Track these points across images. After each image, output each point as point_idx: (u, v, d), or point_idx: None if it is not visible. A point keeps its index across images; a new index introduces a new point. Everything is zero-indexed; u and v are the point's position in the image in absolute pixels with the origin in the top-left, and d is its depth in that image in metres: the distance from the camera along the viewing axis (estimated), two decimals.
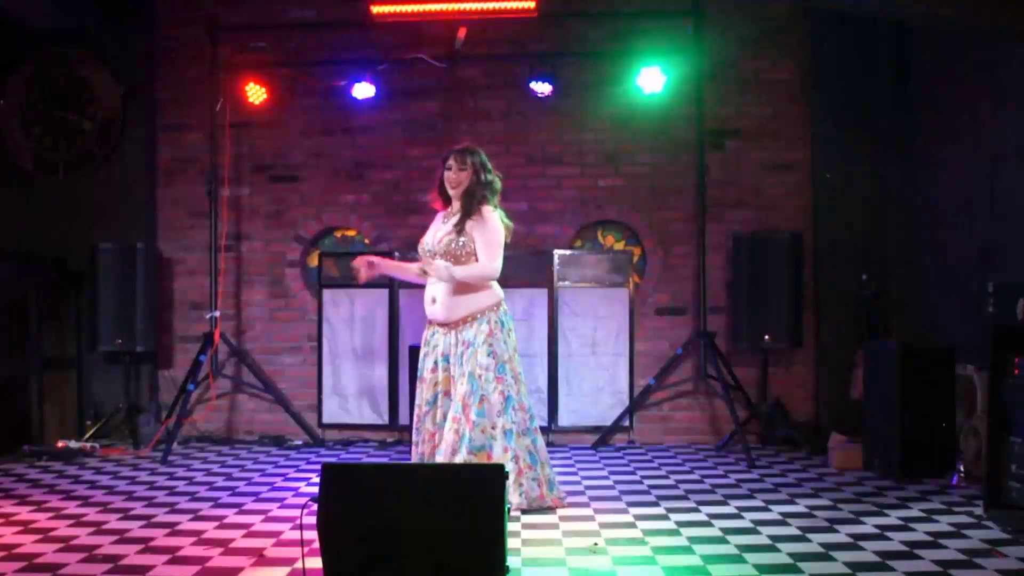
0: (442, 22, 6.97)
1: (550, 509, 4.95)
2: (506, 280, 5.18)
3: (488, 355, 4.91)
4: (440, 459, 4.86)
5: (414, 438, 5.11)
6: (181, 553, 4.13)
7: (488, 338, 4.94)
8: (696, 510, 4.93)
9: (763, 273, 6.94)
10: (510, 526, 4.04)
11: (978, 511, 4.67)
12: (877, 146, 7.20)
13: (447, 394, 5.00)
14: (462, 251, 4.93)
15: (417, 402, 5.12)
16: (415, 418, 5.12)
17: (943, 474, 5.52)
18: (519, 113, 7.45)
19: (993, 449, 4.58)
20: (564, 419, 7.21)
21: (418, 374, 5.12)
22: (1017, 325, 4.42)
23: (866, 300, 6.90)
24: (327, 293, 7.40)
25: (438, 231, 5.08)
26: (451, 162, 5.04)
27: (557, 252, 7.24)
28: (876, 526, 4.50)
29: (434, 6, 6.80)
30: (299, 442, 7.24)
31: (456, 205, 5.05)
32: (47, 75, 7.83)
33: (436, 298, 5.00)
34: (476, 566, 3.46)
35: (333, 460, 6.52)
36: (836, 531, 4.41)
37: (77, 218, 7.64)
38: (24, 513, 4.90)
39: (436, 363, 5.03)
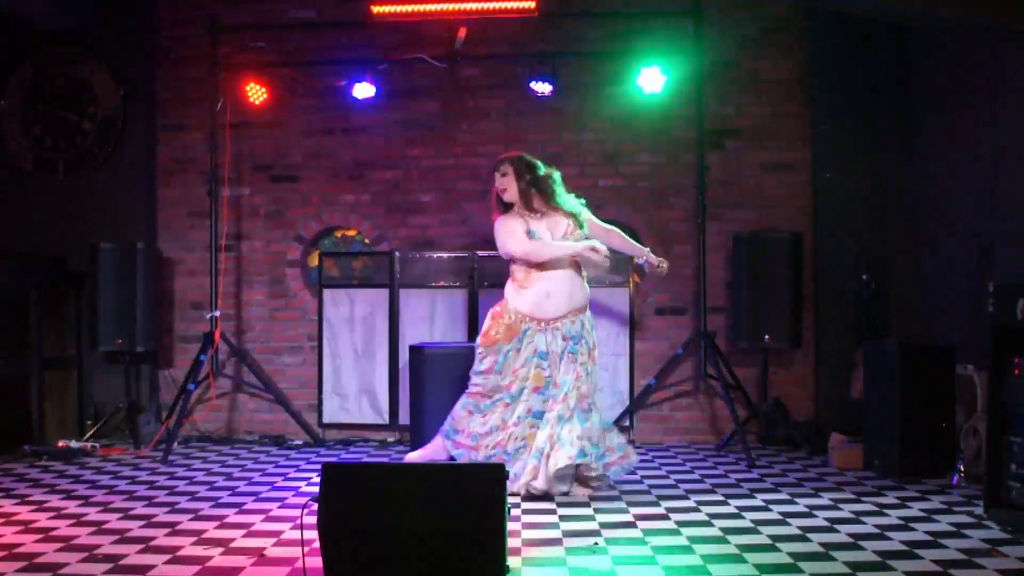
0: (442, 22, 6.97)
1: (550, 511, 4.97)
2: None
3: (590, 350, 5.34)
4: (534, 450, 5.16)
5: (481, 430, 5.33)
6: (181, 553, 4.14)
7: (591, 331, 5.37)
8: (696, 510, 4.93)
9: (763, 273, 6.93)
10: (510, 526, 4.05)
11: (978, 511, 4.68)
12: (877, 146, 7.21)
13: (536, 390, 5.26)
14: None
15: (489, 391, 5.35)
16: (483, 410, 5.36)
17: (943, 474, 5.52)
18: (519, 113, 7.45)
19: (993, 449, 4.58)
20: None
21: (495, 368, 5.32)
22: (1017, 325, 4.42)
23: (866, 300, 6.90)
24: (327, 293, 7.40)
25: (540, 229, 5.37)
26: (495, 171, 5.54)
27: None
28: (876, 526, 4.50)
29: (434, 6, 6.79)
30: (299, 442, 7.24)
31: (520, 209, 5.44)
32: (47, 75, 7.83)
33: (551, 292, 5.28)
34: (476, 566, 3.46)
35: (333, 460, 6.51)
36: (836, 531, 4.41)
37: (77, 218, 7.64)
38: (24, 513, 4.90)
39: (527, 360, 5.27)
